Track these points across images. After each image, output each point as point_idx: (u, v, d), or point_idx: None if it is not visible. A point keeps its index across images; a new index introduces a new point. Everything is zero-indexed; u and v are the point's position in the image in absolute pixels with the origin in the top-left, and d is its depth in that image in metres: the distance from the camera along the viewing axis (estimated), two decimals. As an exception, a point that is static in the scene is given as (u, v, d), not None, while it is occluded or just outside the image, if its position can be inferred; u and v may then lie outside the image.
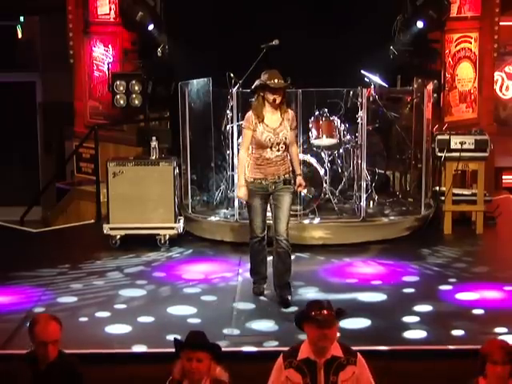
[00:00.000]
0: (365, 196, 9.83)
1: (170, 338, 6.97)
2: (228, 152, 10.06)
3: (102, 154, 10.92)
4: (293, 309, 7.69)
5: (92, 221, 10.92)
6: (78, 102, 12.47)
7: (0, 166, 15.09)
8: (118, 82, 11.24)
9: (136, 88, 11.24)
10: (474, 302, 7.83)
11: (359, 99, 9.89)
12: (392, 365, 6.62)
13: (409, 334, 7.14)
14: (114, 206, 9.68)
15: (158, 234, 9.69)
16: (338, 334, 5.23)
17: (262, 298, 8.01)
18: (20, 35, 15.29)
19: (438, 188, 10.50)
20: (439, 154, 10.22)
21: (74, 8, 12.19)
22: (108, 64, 11.65)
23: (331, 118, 9.98)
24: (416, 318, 7.46)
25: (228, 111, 9.92)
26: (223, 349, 6.64)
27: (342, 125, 10.07)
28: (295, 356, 5.17)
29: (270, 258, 8.09)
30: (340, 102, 10.23)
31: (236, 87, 9.72)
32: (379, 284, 8.40)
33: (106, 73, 11.62)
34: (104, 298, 8.09)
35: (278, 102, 7.67)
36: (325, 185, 9.88)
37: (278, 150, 7.72)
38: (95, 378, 6.29)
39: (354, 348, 5.39)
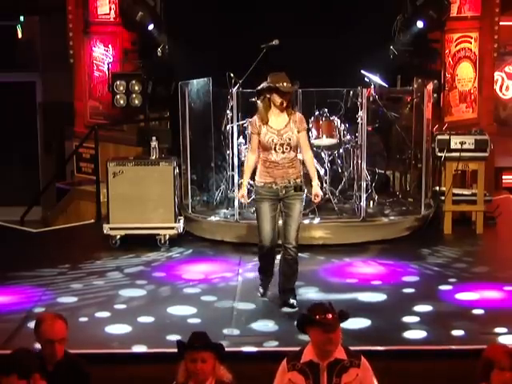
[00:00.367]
0: (365, 196, 9.83)
1: (170, 338, 7.00)
2: (228, 152, 10.06)
3: (102, 153, 10.92)
4: (292, 309, 7.70)
5: (92, 221, 10.92)
6: (78, 102, 12.47)
7: (0, 166, 15.09)
8: (118, 82, 11.24)
9: (136, 88, 11.24)
10: (473, 302, 7.83)
11: (359, 99, 9.89)
12: (392, 365, 6.62)
13: (409, 334, 7.14)
14: (113, 206, 9.68)
15: (158, 234, 9.69)
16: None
17: (262, 298, 8.00)
18: (20, 35, 15.29)
19: (438, 188, 10.50)
20: (439, 154, 10.22)
21: (74, 8, 12.19)
22: (108, 64, 11.65)
23: (331, 118, 9.98)
24: (416, 318, 7.46)
25: (228, 111, 9.93)
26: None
27: (342, 125, 10.07)
28: (299, 359, 5.14)
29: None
30: (340, 102, 10.23)
31: (236, 87, 9.72)
32: (379, 284, 8.40)
33: (106, 73, 11.62)
34: (104, 298, 8.09)
35: (285, 104, 7.64)
36: (325, 185, 9.88)
37: (283, 152, 7.60)
38: (95, 378, 6.28)
39: (355, 348, 5.39)
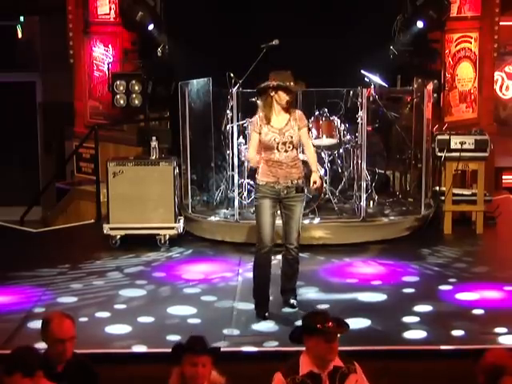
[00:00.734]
0: (365, 196, 9.83)
1: (170, 338, 7.00)
2: (228, 152, 10.06)
3: (102, 153, 10.92)
4: (292, 309, 7.70)
5: (92, 221, 10.92)
6: (78, 102, 12.47)
7: (0, 166, 15.09)
8: (118, 82, 11.24)
9: (136, 88, 11.24)
10: (473, 302, 7.82)
11: (359, 99, 9.89)
12: (392, 365, 6.62)
13: (409, 334, 7.13)
14: (113, 206, 9.68)
15: (158, 234, 9.69)
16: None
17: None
18: (20, 35, 15.29)
19: (438, 188, 10.50)
20: (439, 154, 10.22)
21: (74, 8, 12.20)
22: (108, 64, 11.65)
23: (331, 118, 9.98)
24: (416, 318, 7.46)
25: (228, 111, 9.93)
26: (223, 349, 6.67)
27: (342, 125, 10.07)
28: (296, 371, 5.00)
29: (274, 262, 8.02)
30: (340, 102, 10.23)
31: (236, 87, 9.72)
32: (379, 284, 8.39)
33: (106, 73, 11.62)
34: (104, 298, 8.09)
35: (289, 103, 7.63)
36: (325, 185, 9.88)
37: (286, 151, 7.53)
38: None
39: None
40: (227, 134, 9.97)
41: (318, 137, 9.92)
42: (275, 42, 9.58)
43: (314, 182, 7.72)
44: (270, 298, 7.78)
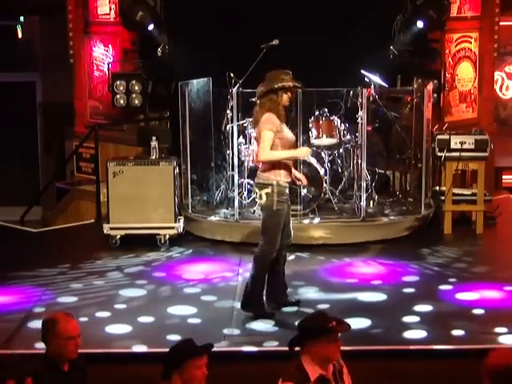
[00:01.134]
0: (365, 196, 9.83)
1: (170, 338, 7.00)
2: (228, 152, 10.07)
3: (102, 153, 10.92)
4: (292, 308, 7.70)
5: (92, 221, 10.92)
6: (78, 102, 12.47)
7: (0, 166, 15.08)
8: (118, 82, 11.24)
9: (136, 88, 11.24)
10: (474, 302, 7.82)
11: (359, 99, 9.89)
12: (392, 365, 6.62)
13: (409, 334, 7.13)
14: (114, 206, 9.68)
15: (158, 234, 9.69)
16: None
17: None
18: (20, 35, 15.29)
19: (438, 188, 10.50)
20: (439, 154, 10.22)
21: (74, 8, 12.20)
22: (108, 64, 11.65)
23: (331, 118, 9.98)
24: (416, 318, 7.46)
25: (228, 111, 9.93)
26: (224, 349, 6.69)
27: (342, 125, 10.07)
28: (307, 378, 4.84)
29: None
30: (340, 102, 10.23)
31: (236, 87, 9.72)
32: (379, 284, 8.39)
33: (106, 73, 11.62)
34: (104, 298, 8.09)
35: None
36: (325, 185, 9.88)
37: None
38: (95, 378, 6.29)
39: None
40: (227, 133, 9.97)
41: (317, 136, 9.92)
42: (275, 41, 9.58)
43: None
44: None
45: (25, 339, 7.05)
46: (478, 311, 7.60)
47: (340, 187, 10.21)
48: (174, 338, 7.02)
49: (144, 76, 11.30)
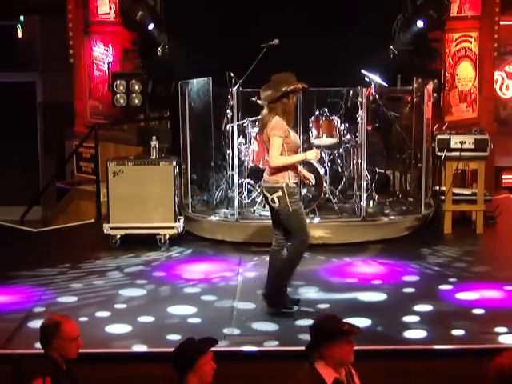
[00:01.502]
0: (365, 195, 9.83)
1: (170, 337, 7.01)
2: (228, 151, 10.07)
3: (102, 153, 10.92)
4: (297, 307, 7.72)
5: (92, 220, 10.92)
6: (78, 102, 12.47)
7: (0, 166, 15.09)
8: (118, 82, 11.24)
9: (136, 87, 11.24)
10: (474, 302, 7.82)
11: (359, 99, 9.89)
12: (392, 364, 6.62)
13: (409, 334, 7.13)
14: (114, 206, 9.68)
15: (158, 234, 9.69)
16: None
17: (262, 297, 7.98)
18: (20, 35, 15.30)
19: (438, 187, 10.50)
20: (439, 154, 10.22)
21: (74, 7, 12.20)
22: (108, 63, 11.65)
23: (331, 118, 9.98)
24: (416, 318, 7.46)
25: (228, 111, 9.93)
26: (224, 348, 6.68)
27: (342, 124, 10.07)
28: (324, 383, 4.78)
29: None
30: (340, 102, 10.23)
31: (236, 87, 9.72)
32: (379, 283, 8.39)
33: (106, 72, 11.62)
34: (104, 298, 8.08)
35: None
36: (325, 184, 9.88)
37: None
38: (95, 378, 6.30)
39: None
40: (227, 133, 9.97)
41: (318, 136, 9.92)
42: (275, 41, 9.58)
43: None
44: None
45: (25, 339, 7.05)
46: (478, 311, 7.59)
47: (340, 187, 10.21)
48: (174, 337, 7.03)
49: (144, 76, 11.30)
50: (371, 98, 10.28)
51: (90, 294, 8.19)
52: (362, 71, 10.41)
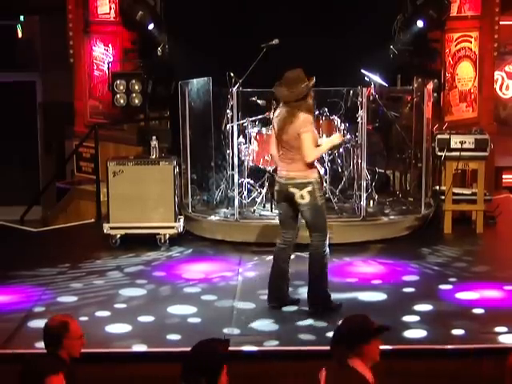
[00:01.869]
0: (365, 195, 9.83)
1: (170, 337, 7.02)
2: (228, 151, 10.07)
3: (102, 153, 10.92)
4: (292, 308, 7.71)
5: (92, 220, 10.92)
6: (78, 102, 12.47)
7: (0, 166, 15.09)
8: (118, 82, 11.24)
9: (136, 87, 11.24)
10: (474, 302, 7.82)
11: (359, 98, 9.88)
12: (392, 364, 6.61)
13: (409, 334, 7.13)
14: (114, 206, 9.68)
15: (158, 234, 9.69)
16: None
17: (262, 297, 7.98)
18: (20, 35, 15.30)
19: (438, 187, 10.50)
20: (439, 154, 10.22)
21: (74, 7, 12.19)
22: (108, 63, 11.65)
23: (331, 118, 9.98)
24: (416, 318, 7.46)
25: (228, 110, 9.93)
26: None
27: (342, 124, 10.07)
28: (368, 382, 4.81)
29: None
30: (340, 102, 10.22)
31: (236, 86, 9.72)
32: (379, 283, 8.39)
33: (106, 72, 11.62)
34: (104, 298, 8.08)
35: None
36: (325, 184, 9.87)
37: None
38: (95, 378, 6.30)
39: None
40: (227, 133, 9.97)
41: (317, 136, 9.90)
42: (275, 41, 9.58)
43: None
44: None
45: (25, 339, 7.05)
46: (478, 311, 7.59)
47: (340, 187, 10.21)
48: (174, 337, 7.05)
49: (144, 75, 11.30)
50: (371, 97, 10.27)
51: (89, 294, 8.19)
52: (362, 71, 10.41)
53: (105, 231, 9.71)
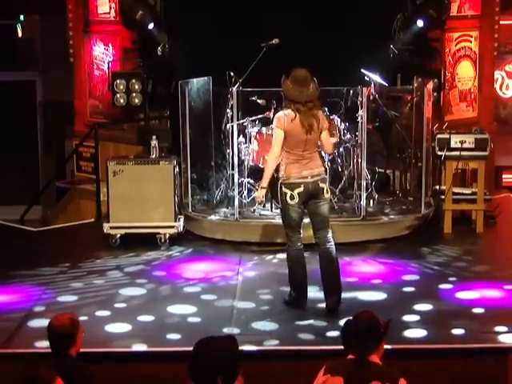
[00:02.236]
0: (365, 195, 9.83)
1: (170, 337, 7.01)
2: (228, 151, 10.06)
3: (102, 152, 10.92)
4: (291, 308, 7.71)
5: (92, 220, 10.92)
6: (78, 101, 12.47)
7: (0, 166, 15.09)
8: (118, 81, 11.24)
9: (136, 87, 11.24)
10: (474, 301, 7.82)
11: (359, 98, 9.88)
12: (392, 364, 6.58)
13: (409, 333, 7.12)
14: (114, 205, 9.68)
15: (158, 233, 9.69)
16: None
17: (262, 297, 8.00)
18: (20, 34, 15.31)
19: (438, 187, 10.50)
20: (439, 153, 10.22)
21: (74, 7, 12.20)
22: (108, 63, 11.65)
23: (331, 117, 9.98)
24: (416, 317, 7.45)
25: (228, 110, 9.92)
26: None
27: (342, 124, 10.07)
28: None
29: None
30: (340, 101, 10.22)
31: (236, 86, 9.72)
32: (379, 283, 8.39)
33: (106, 72, 11.62)
34: (104, 297, 8.08)
35: None
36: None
37: None
38: (95, 378, 6.29)
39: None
40: (227, 132, 9.97)
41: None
42: (275, 41, 9.59)
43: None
44: (270, 296, 8.01)
45: (25, 338, 7.05)
46: (478, 310, 7.59)
47: (340, 186, 10.20)
48: (174, 337, 7.04)
49: (144, 75, 11.30)
50: (371, 97, 10.27)
51: (90, 294, 8.18)
52: (362, 71, 10.41)
53: (105, 231, 9.71)
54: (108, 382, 6.53)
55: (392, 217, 10.06)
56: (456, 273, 8.66)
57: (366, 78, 10.39)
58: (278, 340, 7.01)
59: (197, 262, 9.18)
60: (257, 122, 10.03)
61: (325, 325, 7.27)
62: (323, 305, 7.71)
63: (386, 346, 6.83)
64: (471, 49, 12.05)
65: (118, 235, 9.70)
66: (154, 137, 9.90)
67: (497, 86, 14.04)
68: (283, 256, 8.03)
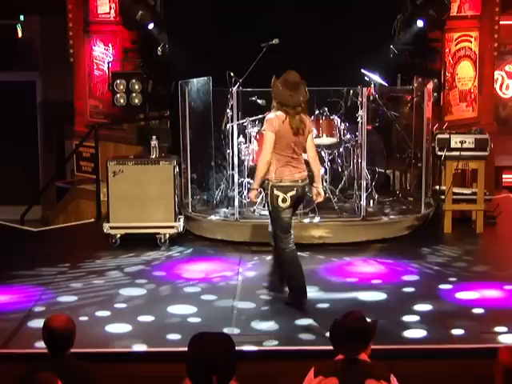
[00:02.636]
0: (365, 195, 9.83)
1: (170, 337, 7.01)
2: (228, 151, 10.07)
3: (102, 152, 10.92)
4: (291, 308, 7.72)
5: (92, 220, 10.92)
6: (78, 102, 12.47)
7: (0, 166, 15.08)
8: (118, 81, 11.24)
9: (136, 87, 11.24)
10: (474, 301, 7.82)
11: (359, 98, 9.89)
12: (392, 364, 6.59)
13: (409, 333, 7.13)
14: (114, 205, 9.68)
15: (158, 233, 9.69)
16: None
17: (262, 297, 8.00)
18: (20, 34, 15.29)
19: (438, 187, 10.50)
20: (439, 153, 10.22)
21: (74, 7, 12.20)
22: (108, 63, 11.65)
23: (331, 117, 9.99)
24: (416, 317, 7.46)
25: (228, 110, 9.93)
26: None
27: (342, 124, 10.07)
28: None
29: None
30: (340, 101, 10.23)
31: (236, 86, 9.72)
32: (379, 283, 8.39)
33: (106, 72, 11.62)
34: (104, 297, 8.08)
35: None
36: (325, 184, 9.88)
37: None
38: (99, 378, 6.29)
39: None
40: (227, 133, 9.97)
41: (318, 136, 9.91)
42: (275, 41, 9.59)
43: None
44: (270, 296, 8.04)
45: (25, 339, 7.05)
46: (477, 310, 7.60)
47: (340, 186, 10.21)
48: (174, 337, 7.04)
49: (144, 75, 11.30)
50: (371, 97, 10.28)
51: (90, 294, 8.18)
52: (362, 71, 10.41)
53: (105, 231, 9.71)
54: (108, 382, 6.53)
55: (392, 217, 10.06)
56: (456, 273, 8.66)
57: (366, 78, 10.40)
58: (278, 340, 7.01)
59: (197, 262, 9.19)
60: (257, 122, 10.03)
61: (325, 325, 7.26)
62: (323, 305, 7.73)
63: (386, 347, 6.88)
64: (471, 49, 12.04)
65: (118, 235, 9.71)
66: (154, 137, 9.90)
67: (497, 86, 14.04)
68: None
